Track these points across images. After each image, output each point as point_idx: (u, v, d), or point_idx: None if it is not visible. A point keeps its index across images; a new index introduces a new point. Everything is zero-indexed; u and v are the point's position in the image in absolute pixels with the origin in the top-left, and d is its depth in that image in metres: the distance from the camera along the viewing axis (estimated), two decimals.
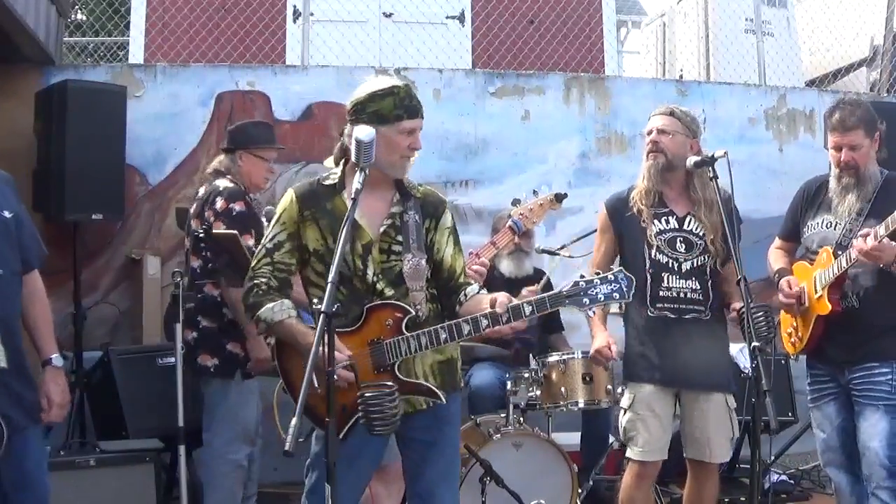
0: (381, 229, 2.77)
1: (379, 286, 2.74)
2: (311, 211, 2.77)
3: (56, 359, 2.93)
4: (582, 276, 2.73)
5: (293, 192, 2.82)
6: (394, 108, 2.73)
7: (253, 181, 4.16)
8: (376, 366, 2.69)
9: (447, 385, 2.84)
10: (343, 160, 2.84)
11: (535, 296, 2.76)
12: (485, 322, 2.67)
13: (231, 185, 4.07)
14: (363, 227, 2.75)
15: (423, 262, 2.77)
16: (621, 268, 2.76)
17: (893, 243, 3.21)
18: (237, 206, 3.97)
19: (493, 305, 2.68)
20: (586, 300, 2.69)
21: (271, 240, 2.79)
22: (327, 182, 2.82)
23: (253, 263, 2.81)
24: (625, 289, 2.70)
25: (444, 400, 2.74)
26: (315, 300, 2.65)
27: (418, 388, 2.74)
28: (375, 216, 2.78)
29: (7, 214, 2.83)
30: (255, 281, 2.76)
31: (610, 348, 3.53)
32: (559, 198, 3.88)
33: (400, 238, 2.77)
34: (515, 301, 2.70)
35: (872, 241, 3.18)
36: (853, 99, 3.63)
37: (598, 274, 2.72)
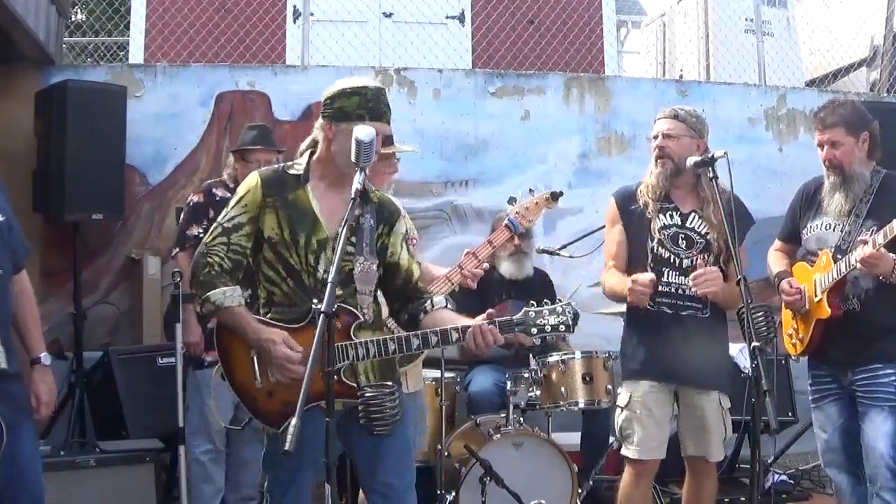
0: (339, 229, 2.75)
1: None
2: (273, 198, 2.75)
3: (45, 357, 2.96)
4: (532, 304, 2.78)
5: (258, 175, 2.79)
6: (357, 107, 2.72)
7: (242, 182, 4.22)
8: (320, 367, 2.67)
9: (386, 381, 2.79)
10: (310, 152, 2.84)
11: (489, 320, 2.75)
12: (434, 339, 2.69)
13: (212, 180, 4.32)
14: (321, 224, 2.74)
15: (374, 266, 2.77)
16: (570, 301, 2.81)
17: (892, 255, 3.22)
18: (194, 198, 4.24)
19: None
20: (534, 329, 2.76)
21: (230, 220, 2.75)
22: (292, 171, 2.81)
23: (207, 239, 2.76)
24: (570, 322, 2.77)
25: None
26: (275, 291, 2.69)
27: (350, 392, 2.69)
28: (334, 213, 2.76)
29: (0, 217, 2.84)
30: (209, 259, 2.70)
31: (640, 277, 3.37)
32: (555, 196, 3.88)
33: (354, 239, 2.76)
34: (465, 322, 2.72)
35: (870, 249, 3.19)
36: (842, 99, 3.64)
37: (546, 304, 2.77)
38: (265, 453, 2.87)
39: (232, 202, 2.79)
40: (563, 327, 2.76)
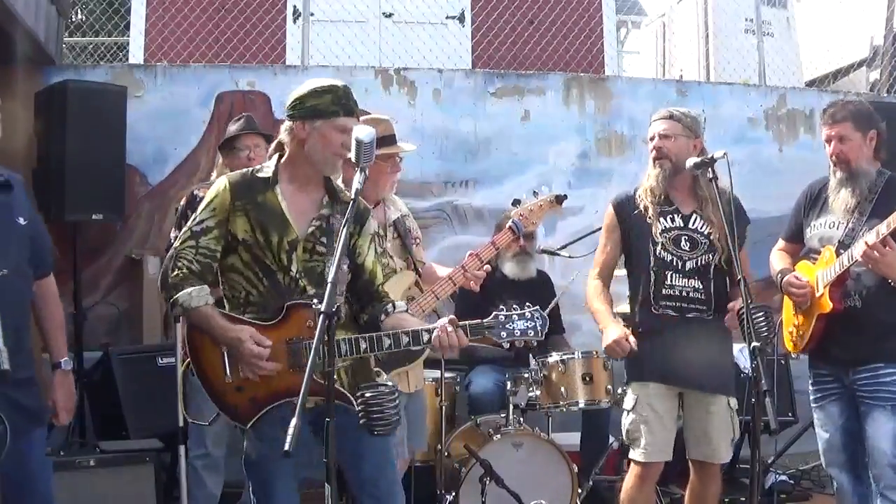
0: (309, 230, 2.79)
1: (301, 283, 2.76)
2: (242, 202, 2.77)
3: (65, 363, 3.00)
4: (501, 309, 2.81)
5: (227, 180, 2.82)
6: (331, 104, 2.76)
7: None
8: (292, 364, 2.70)
9: (360, 381, 2.79)
10: (278, 155, 2.87)
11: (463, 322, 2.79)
12: (405, 339, 2.72)
13: (200, 183, 4.33)
14: (291, 225, 2.77)
15: (346, 266, 2.80)
16: (538, 307, 2.83)
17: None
18: (181, 203, 4.23)
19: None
20: (503, 333, 2.79)
21: (199, 223, 2.77)
22: (261, 174, 2.83)
23: (177, 243, 2.79)
24: (539, 328, 2.80)
25: (356, 406, 2.68)
26: (252, 291, 2.73)
27: (337, 395, 2.67)
28: (303, 214, 2.81)
29: (22, 221, 2.87)
30: (178, 262, 2.74)
31: (628, 339, 3.45)
32: (560, 199, 3.88)
33: (325, 240, 2.79)
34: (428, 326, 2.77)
35: (874, 239, 3.19)
36: (851, 99, 3.65)
37: (515, 309, 2.81)
38: (244, 454, 2.85)
39: (201, 207, 2.82)
40: (531, 332, 2.79)
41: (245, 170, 2.90)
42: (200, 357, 2.77)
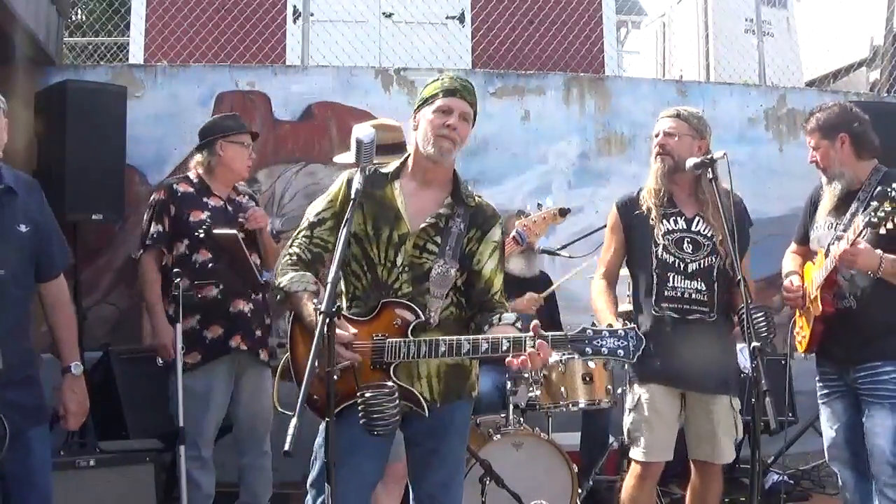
0: (422, 225, 2.78)
1: (401, 278, 2.75)
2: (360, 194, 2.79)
3: (75, 367, 2.96)
4: (592, 324, 2.63)
5: (348, 174, 2.85)
6: (435, 90, 2.80)
7: (235, 167, 4.17)
8: (374, 363, 2.68)
9: (451, 392, 2.81)
10: (407, 154, 2.89)
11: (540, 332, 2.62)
12: (484, 346, 2.63)
13: (175, 177, 4.30)
14: (404, 219, 2.78)
15: (453, 271, 2.76)
16: (634, 325, 2.63)
17: (877, 251, 3.23)
18: (156, 196, 4.18)
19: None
20: (589, 349, 2.58)
21: (316, 214, 2.84)
22: (384, 169, 2.86)
23: (295, 232, 2.86)
24: (632, 348, 2.56)
25: (426, 413, 2.70)
26: (314, 301, 2.67)
27: (408, 395, 2.69)
28: (421, 211, 2.81)
29: (23, 229, 2.85)
30: (289, 250, 2.81)
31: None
32: (563, 212, 3.96)
33: (438, 239, 2.78)
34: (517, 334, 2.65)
35: (845, 245, 3.21)
36: (826, 104, 3.68)
37: (609, 326, 2.62)
38: (317, 447, 2.87)
39: (321, 198, 2.88)
40: (621, 352, 2.55)
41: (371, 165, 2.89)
42: (295, 350, 2.80)
